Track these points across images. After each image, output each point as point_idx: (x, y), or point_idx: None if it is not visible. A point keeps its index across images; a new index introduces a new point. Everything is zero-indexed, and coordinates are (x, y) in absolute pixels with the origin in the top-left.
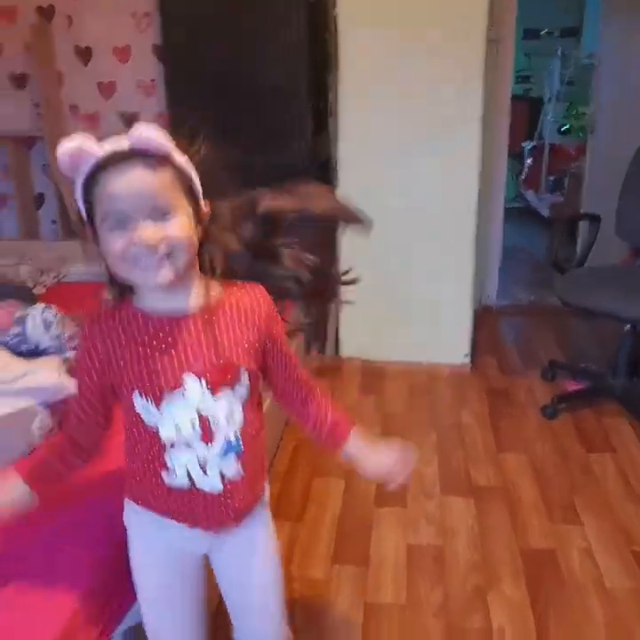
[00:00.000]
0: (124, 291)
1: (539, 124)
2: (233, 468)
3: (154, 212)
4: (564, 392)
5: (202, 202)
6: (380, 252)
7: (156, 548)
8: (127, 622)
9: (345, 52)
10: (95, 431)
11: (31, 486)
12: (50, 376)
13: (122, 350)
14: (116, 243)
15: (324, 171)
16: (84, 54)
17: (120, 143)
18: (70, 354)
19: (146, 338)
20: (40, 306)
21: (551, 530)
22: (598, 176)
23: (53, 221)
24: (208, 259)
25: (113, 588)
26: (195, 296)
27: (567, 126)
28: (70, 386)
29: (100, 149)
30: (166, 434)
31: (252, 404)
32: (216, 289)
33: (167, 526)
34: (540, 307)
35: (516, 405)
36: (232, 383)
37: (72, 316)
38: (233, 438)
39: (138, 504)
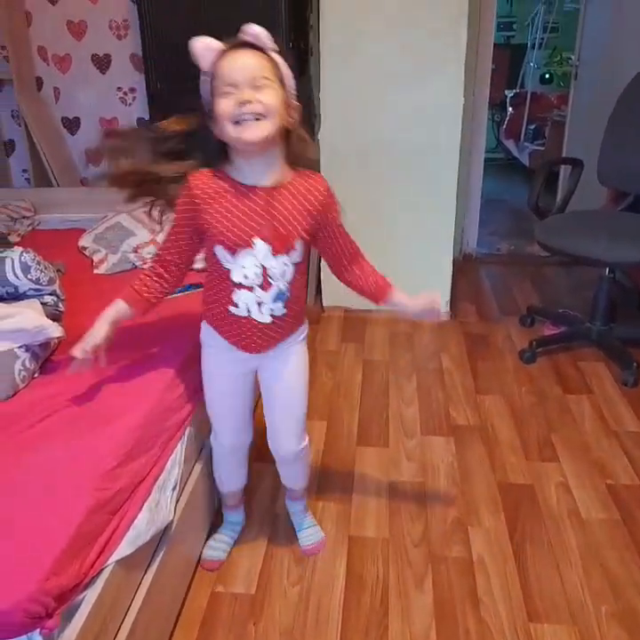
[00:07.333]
0: (220, 159)
1: (521, 71)
2: (280, 308)
3: (254, 82)
4: (541, 337)
5: (292, 98)
6: (362, 201)
7: (220, 362)
8: None
9: None
10: (177, 269)
11: (132, 306)
12: (30, 319)
13: (212, 203)
14: (226, 104)
15: (304, 111)
16: None
17: (236, 39)
18: (49, 298)
19: (232, 199)
20: (18, 249)
21: (529, 466)
22: (580, 123)
23: (24, 170)
24: (291, 151)
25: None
26: (273, 176)
27: (549, 75)
28: (50, 329)
29: (221, 44)
30: (236, 278)
31: (301, 266)
32: (288, 174)
33: (228, 349)
34: (520, 256)
35: (494, 350)
36: (288, 250)
37: (49, 262)
38: (283, 288)
39: (210, 326)
